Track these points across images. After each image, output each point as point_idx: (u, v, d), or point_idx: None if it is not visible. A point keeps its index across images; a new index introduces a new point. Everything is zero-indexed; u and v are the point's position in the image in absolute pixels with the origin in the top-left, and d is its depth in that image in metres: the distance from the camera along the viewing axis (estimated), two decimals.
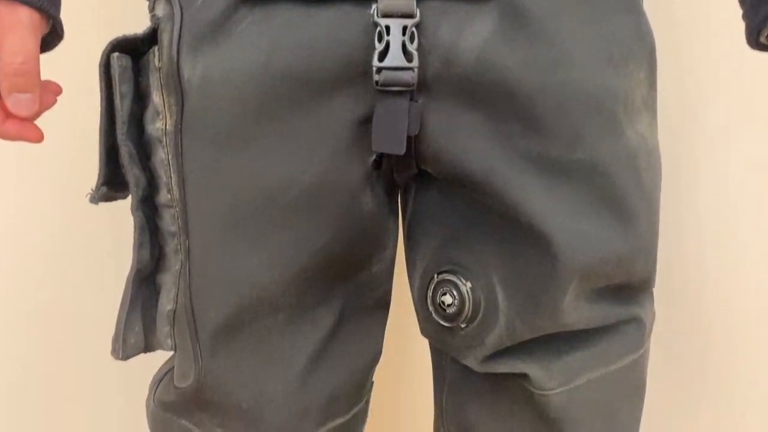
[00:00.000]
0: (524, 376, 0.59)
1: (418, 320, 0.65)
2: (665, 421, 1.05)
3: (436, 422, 0.70)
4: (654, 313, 0.66)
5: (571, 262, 0.55)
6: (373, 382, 0.70)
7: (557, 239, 0.54)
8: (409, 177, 0.62)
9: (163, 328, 0.60)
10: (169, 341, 0.60)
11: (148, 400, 0.67)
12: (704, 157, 0.97)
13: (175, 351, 0.60)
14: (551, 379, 0.58)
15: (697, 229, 0.98)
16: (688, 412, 1.05)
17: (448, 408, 0.67)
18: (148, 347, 0.60)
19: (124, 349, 0.58)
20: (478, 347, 0.59)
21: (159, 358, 0.65)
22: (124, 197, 0.65)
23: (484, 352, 0.59)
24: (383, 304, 0.67)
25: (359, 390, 0.66)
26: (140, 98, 0.57)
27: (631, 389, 0.63)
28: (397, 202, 0.65)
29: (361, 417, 0.69)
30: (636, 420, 0.65)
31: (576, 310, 0.58)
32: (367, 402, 0.70)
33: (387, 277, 0.66)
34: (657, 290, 0.66)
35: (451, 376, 0.66)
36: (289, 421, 0.60)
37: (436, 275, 0.61)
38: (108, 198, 0.60)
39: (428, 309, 0.62)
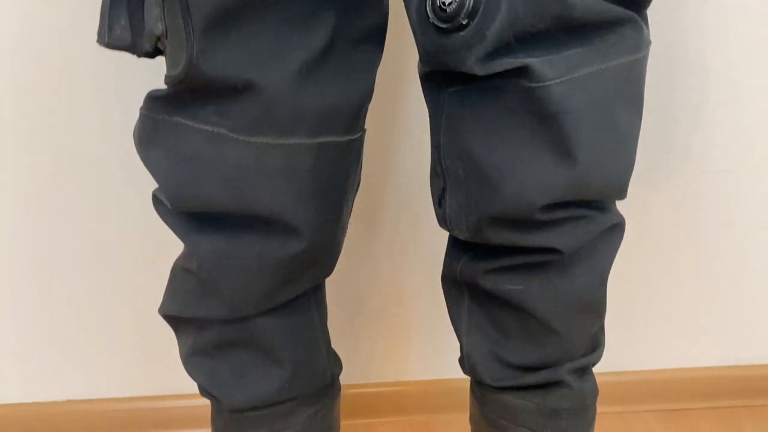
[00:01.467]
0: (525, 70, 0.58)
1: (416, 41, 0.63)
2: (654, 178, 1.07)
3: (432, 164, 0.69)
4: (649, 34, 0.65)
5: None
6: (365, 130, 0.69)
7: None
8: None
9: (152, 12, 0.58)
10: (159, 25, 0.58)
11: (137, 119, 0.66)
12: None
13: (166, 37, 0.59)
14: (552, 69, 0.58)
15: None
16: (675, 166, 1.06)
17: (446, 142, 0.66)
18: (135, 48, 0.59)
19: (110, 37, 0.57)
20: (479, 44, 0.58)
21: None
22: None
23: (486, 49, 0.58)
24: (375, 40, 0.65)
25: (354, 118, 0.65)
26: None
27: (629, 92, 0.63)
28: None
29: (356, 153, 0.68)
30: (634, 129, 0.65)
31: None
32: (361, 141, 0.69)
33: (380, 2, 0.64)
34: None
35: (449, 109, 0.65)
36: (286, 113, 0.60)
37: None
38: None
39: (427, 19, 0.59)
